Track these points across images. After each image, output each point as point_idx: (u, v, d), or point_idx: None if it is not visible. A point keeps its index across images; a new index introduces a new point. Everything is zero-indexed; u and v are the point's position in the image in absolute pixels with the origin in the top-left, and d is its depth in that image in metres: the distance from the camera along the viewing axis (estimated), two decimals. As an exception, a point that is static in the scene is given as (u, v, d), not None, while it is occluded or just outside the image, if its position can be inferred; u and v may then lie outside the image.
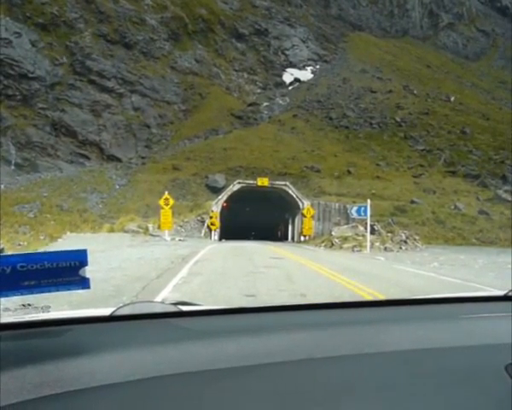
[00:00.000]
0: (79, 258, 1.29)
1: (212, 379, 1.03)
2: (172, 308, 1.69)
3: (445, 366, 1.15)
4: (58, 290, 1.28)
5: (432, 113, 66.72)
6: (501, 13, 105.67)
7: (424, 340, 1.32)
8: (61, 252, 1.27)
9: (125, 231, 34.26)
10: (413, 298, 1.99)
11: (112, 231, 34.51)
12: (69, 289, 1.30)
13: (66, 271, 1.27)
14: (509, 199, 44.97)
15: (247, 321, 1.64)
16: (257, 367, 1.11)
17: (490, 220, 40.41)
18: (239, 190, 42.63)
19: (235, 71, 76.62)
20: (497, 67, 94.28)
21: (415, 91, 73.70)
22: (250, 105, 70.75)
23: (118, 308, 1.60)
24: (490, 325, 1.52)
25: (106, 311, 1.60)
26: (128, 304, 1.66)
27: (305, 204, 41.49)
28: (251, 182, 42.64)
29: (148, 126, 62.69)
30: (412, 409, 0.93)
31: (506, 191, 46.71)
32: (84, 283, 1.32)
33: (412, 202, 43.16)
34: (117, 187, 47.82)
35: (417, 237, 32.99)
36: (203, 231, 39.80)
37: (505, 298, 1.92)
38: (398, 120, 64.65)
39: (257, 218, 48.12)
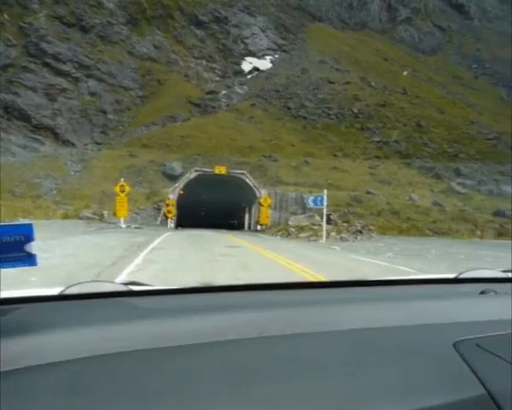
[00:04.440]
0: (25, 232, 1.19)
1: (162, 357, 1.03)
2: (122, 288, 1.64)
3: (395, 344, 1.17)
4: (2, 267, 1.19)
5: (388, 105, 67.59)
6: (457, 10, 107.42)
7: (376, 319, 1.33)
8: (4, 226, 1.18)
9: (80, 218, 33.78)
10: (366, 280, 1.99)
11: (66, 217, 33.97)
12: (14, 266, 1.20)
13: (11, 246, 1.17)
14: (462, 191, 45.97)
15: (199, 301, 1.61)
16: (208, 345, 1.09)
17: (443, 212, 41.23)
18: (196, 178, 42.44)
19: (194, 58, 76.02)
20: (453, 62, 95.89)
21: (372, 83, 74.44)
22: (208, 93, 70.40)
23: (67, 287, 1.55)
24: (440, 305, 1.55)
25: (55, 290, 1.56)
26: (77, 283, 1.59)
27: (262, 193, 41.55)
28: (208, 170, 42.49)
29: (105, 112, 61.81)
30: (363, 385, 0.95)
31: (459, 184, 47.75)
32: (30, 259, 1.22)
33: (368, 192, 43.67)
34: (72, 173, 46.99)
35: (372, 228, 33.35)
36: (159, 219, 39.55)
37: (455, 280, 2.00)
38: (355, 111, 65.30)
39: (214, 206, 48.03)
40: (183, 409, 0.85)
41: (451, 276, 2.04)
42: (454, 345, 1.14)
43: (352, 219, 35.34)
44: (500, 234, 37.33)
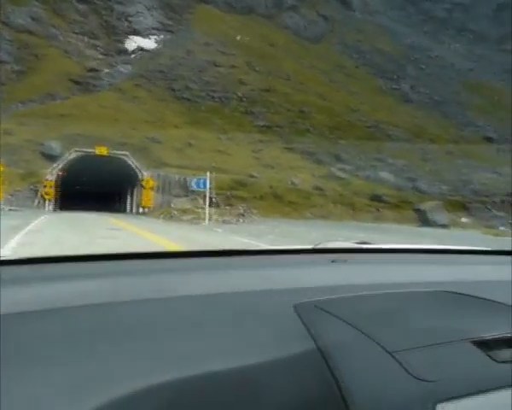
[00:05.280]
0: None
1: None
2: None
3: (239, 308, 1.22)
4: None
5: (273, 90, 68.48)
6: (340, 0, 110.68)
7: (225, 285, 1.37)
8: None
9: None
10: (228, 250, 1.97)
11: None
12: None
13: None
14: (342, 176, 47.51)
15: (51, 270, 1.52)
16: (51, 311, 1.09)
17: (323, 196, 42.39)
18: (76, 159, 41.20)
19: (75, 34, 73.14)
20: (336, 51, 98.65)
21: (257, 68, 75.08)
22: (90, 71, 68.05)
23: None
24: (289, 272, 1.63)
25: None
26: None
27: (145, 175, 40.98)
28: (89, 151, 41.30)
29: (-25, 86, 58.21)
30: (209, 348, 1.01)
31: (339, 169, 49.33)
32: None
33: (251, 176, 44.05)
34: None
35: (255, 211, 33.77)
36: (36, 201, 38.03)
37: (312, 250, 2.06)
38: (240, 95, 65.71)
39: (95, 188, 46.80)
40: (23, 376, 0.85)
41: (309, 247, 2.06)
42: (294, 307, 1.20)
43: (235, 202, 35.60)
44: (377, 218, 38.99)
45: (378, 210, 40.97)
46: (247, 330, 1.10)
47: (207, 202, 29.85)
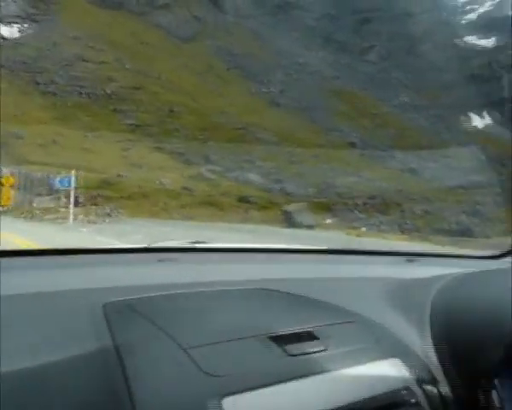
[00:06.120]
0: None
1: None
2: None
3: (45, 308, 1.23)
4: None
5: (143, 89, 67.61)
6: (212, 2, 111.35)
7: (36, 285, 1.35)
8: None
9: None
10: (51, 249, 1.93)
11: None
12: None
13: None
14: (211, 177, 47.80)
15: None
16: None
17: (192, 197, 42.36)
18: None
19: None
20: (207, 52, 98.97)
21: (127, 65, 73.84)
22: None
23: None
24: (114, 271, 1.65)
25: None
26: None
27: (4, 172, 38.97)
28: None
29: None
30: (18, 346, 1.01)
31: (208, 170, 49.56)
32: None
33: (119, 175, 43.15)
34: None
35: (122, 211, 33.25)
36: None
37: (144, 250, 2.09)
38: (108, 92, 64.25)
39: None
40: None
41: (140, 246, 2.11)
42: (103, 306, 1.24)
43: (101, 201, 34.85)
44: (244, 219, 39.51)
45: (246, 211, 41.56)
46: (46, 331, 1.09)
47: (72, 201, 29.08)
